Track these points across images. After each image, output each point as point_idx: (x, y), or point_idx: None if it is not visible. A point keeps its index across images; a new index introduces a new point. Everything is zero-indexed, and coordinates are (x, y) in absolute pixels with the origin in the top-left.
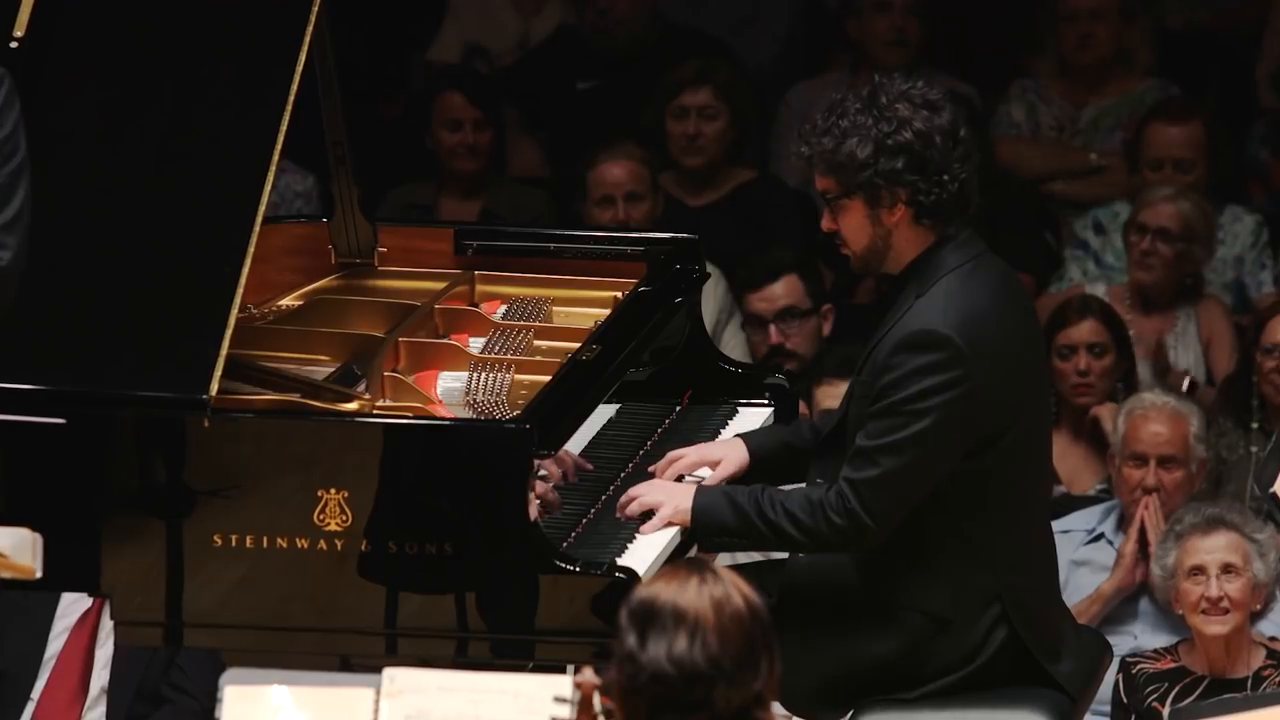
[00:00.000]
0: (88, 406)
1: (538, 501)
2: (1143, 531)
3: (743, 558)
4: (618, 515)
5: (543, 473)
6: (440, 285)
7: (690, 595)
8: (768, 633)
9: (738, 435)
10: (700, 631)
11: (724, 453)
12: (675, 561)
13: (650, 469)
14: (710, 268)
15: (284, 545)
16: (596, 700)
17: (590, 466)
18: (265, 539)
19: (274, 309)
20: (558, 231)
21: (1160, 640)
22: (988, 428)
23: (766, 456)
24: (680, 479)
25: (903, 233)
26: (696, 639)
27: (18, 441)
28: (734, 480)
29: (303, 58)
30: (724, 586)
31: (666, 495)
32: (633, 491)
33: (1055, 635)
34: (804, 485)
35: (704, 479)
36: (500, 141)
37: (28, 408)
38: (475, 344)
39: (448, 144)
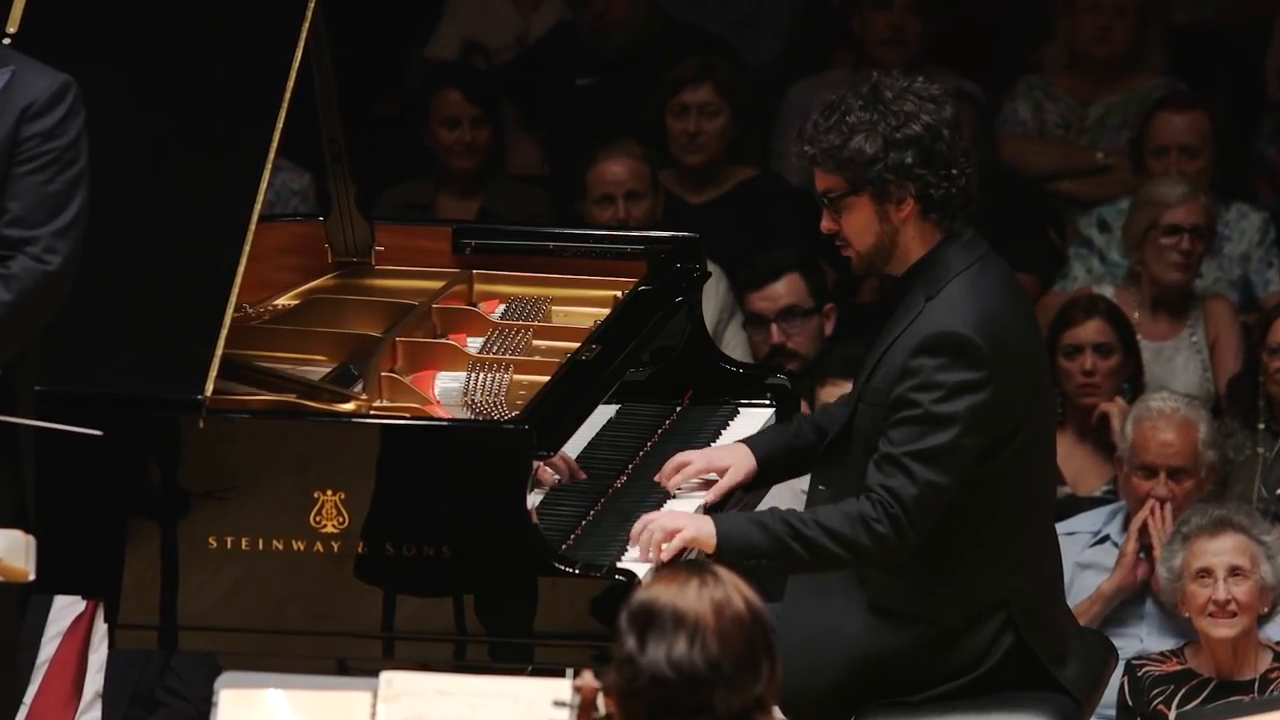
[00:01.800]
0: (81, 407)
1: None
2: (1145, 531)
3: None
4: (642, 556)
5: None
6: (438, 284)
7: (690, 598)
8: (769, 636)
9: (741, 441)
10: (700, 634)
11: (731, 460)
12: (676, 564)
13: (655, 478)
14: (711, 266)
15: (280, 547)
16: (600, 703)
17: (584, 475)
18: (261, 541)
19: (270, 308)
20: (557, 230)
21: (1166, 643)
22: (1002, 429)
23: (772, 461)
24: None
25: (910, 230)
26: (696, 642)
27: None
28: (743, 487)
29: (299, 55)
30: (724, 589)
31: (687, 519)
32: (648, 519)
33: (1061, 639)
34: (821, 504)
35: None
36: (499, 139)
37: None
38: (473, 344)
39: (446, 142)
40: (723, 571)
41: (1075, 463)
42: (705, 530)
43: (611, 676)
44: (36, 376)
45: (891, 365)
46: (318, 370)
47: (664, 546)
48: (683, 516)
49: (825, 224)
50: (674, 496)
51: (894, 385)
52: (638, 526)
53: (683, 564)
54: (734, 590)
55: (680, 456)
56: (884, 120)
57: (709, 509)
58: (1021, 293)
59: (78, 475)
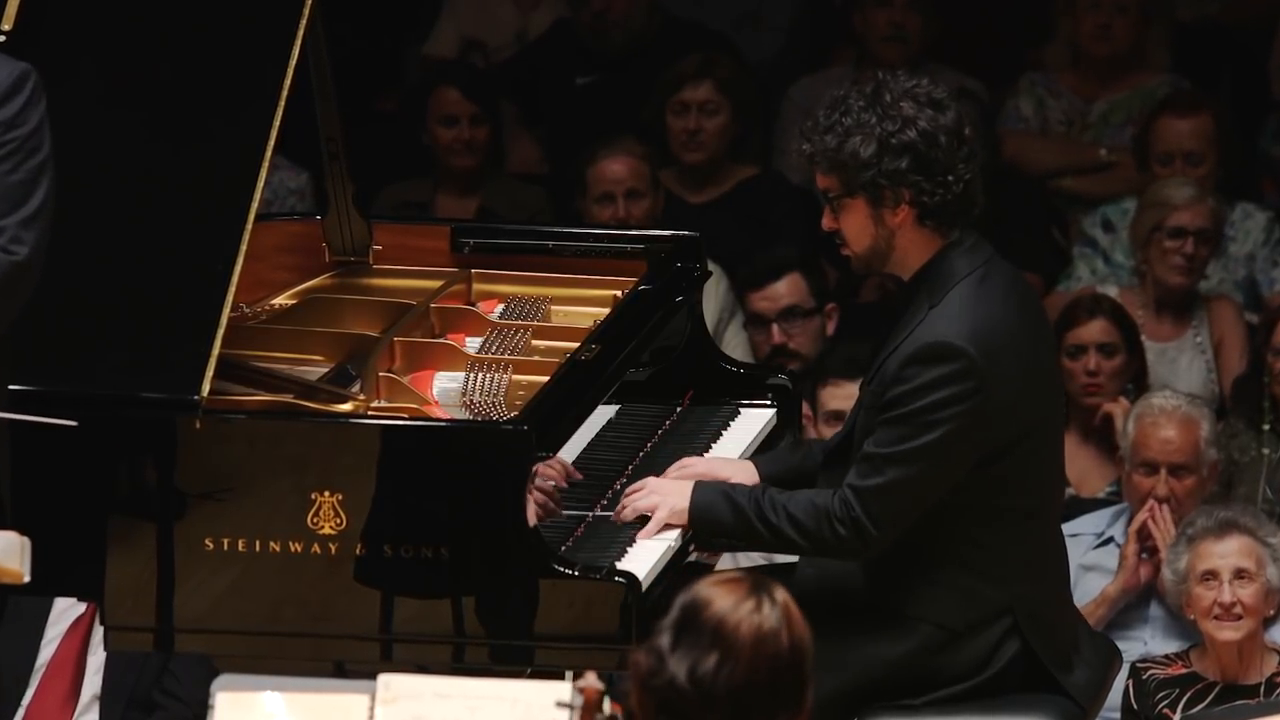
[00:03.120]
0: (77, 407)
1: (538, 505)
2: (1148, 532)
3: (744, 561)
4: (613, 520)
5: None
6: (436, 284)
7: (739, 616)
8: (800, 680)
9: (749, 458)
10: (731, 660)
11: (732, 472)
12: (748, 570)
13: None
14: (711, 266)
15: (277, 549)
16: (606, 705)
17: (580, 475)
18: (258, 542)
19: (267, 308)
20: (556, 229)
21: (1171, 645)
22: (1001, 437)
23: (777, 480)
24: None
25: (906, 234)
26: (725, 666)
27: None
28: None
29: (296, 52)
30: (776, 620)
31: (662, 496)
32: (629, 491)
33: (1067, 644)
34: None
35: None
36: (498, 137)
37: (14, 409)
38: (472, 344)
39: (444, 140)
40: (783, 597)
41: (1079, 464)
42: (679, 507)
43: (638, 656)
44: (8, 372)
45: (887, 372)
46: (315, 370)
47: (642, 531)
48: (657, 494)
49: (826, 222)
50: None
51: (886, 390)
52: (620, 505)
53: (749, 576)
54: (784, 624)
55: (685, 459)
56: (881, 124)
57: None
58: (1029, 297)
59: (73, 475)
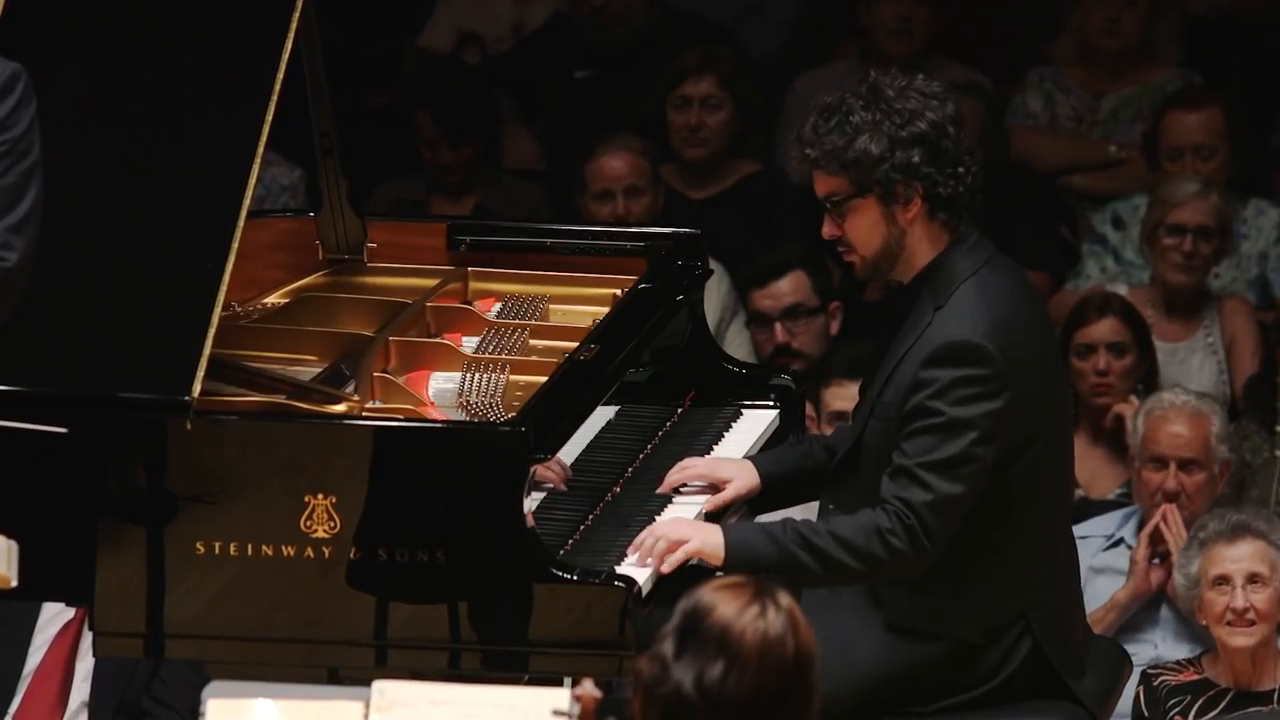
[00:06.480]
0: (67, 408)
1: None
2: (1159, 536)
3: None
4: (640, 562)
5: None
6: (432, 282)
7: (744, 623)
8: (807, 687)
9: (748, 457)
10: (737, 668)
11: (733, 472)
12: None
13: (658, 490)
14: (713, 264)
15: (269, 553)
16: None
17: (570, 474)
18: (250, 546)
19: (259, 307)
20: (555, 226)
21: (1182, 651)
22: (1020, 437)
23: (779, 480)
24: (681, 489)
25: (917, 231)
26: (731, 675)
27: None
28: (746, 502)
29: (289, 45)
30: (781, 626)
31: (694, 530)
32: (655, 529)
33: (1079, 650)
34: (845, 515)
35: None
36: (495, 133)
37: (1, 410)
38: (469, 343)
39: (429, 158)
40: (788, 602)
41: (1089, 465)
42: (713, 541)
43: (641, 663)
44: None
45: (903, 378)
46: (308, 371)
47: (668, 558)
48: (688, 526)
49: (827, 229)
50: (672, 501)
51: (906, 398)
52: (644, 534)
53: (752, 581)
54: (789, 630)
55: (686, 460)
56: (888, 119)
57: (707, 518)
58: (1033, 295)
59: (63, 478)
